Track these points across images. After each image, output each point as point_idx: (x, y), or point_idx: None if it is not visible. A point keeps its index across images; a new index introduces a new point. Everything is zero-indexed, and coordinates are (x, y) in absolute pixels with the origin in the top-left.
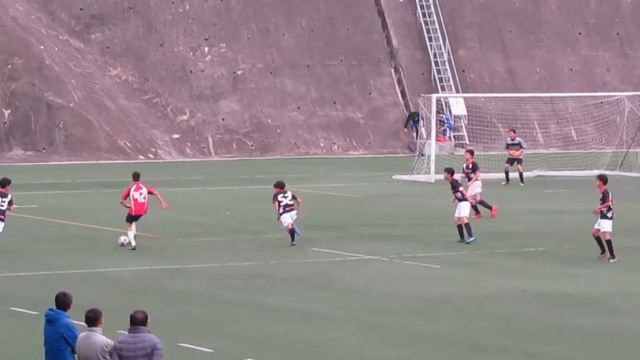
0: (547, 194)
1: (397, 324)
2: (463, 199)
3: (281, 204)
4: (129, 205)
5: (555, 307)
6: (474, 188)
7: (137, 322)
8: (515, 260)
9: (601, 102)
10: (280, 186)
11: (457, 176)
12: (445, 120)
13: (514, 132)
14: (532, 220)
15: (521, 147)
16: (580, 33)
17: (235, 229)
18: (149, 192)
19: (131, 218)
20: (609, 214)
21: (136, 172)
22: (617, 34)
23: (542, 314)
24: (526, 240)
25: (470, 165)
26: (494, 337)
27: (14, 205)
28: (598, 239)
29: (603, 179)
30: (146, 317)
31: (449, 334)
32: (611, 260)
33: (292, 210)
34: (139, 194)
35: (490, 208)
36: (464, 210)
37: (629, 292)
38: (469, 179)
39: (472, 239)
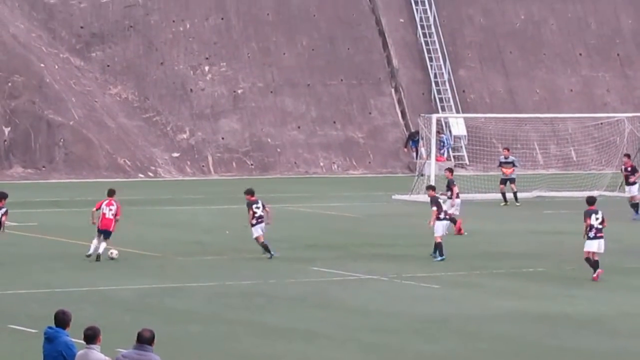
0: (546, 214)
1: (396, 344)
2: (443, 218)
3: (255, 214)
4: (97, 218)
5: (554, 328)
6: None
7: (144, 340)
8: (514, 280)
9: (601, 123)
10: (250, 193)
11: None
12: (445, 141)
13: (508, 150)
14: (532, 241)
15: (514, 165)
16: (580, 54)
17: (235, 248)
18: (115, 214)
19: (98, 231)
20: (590, 234)
21: (111, 188)
22: (618, 54)
23: (541, 335)
24: (526, 261)
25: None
26: (494, 358)
27: (6, 218)
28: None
29: (588, 201)
30: (153, 336)
31: (448, 355)
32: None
33: (262, 222)
34: (108, 210)
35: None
36: (438, 229)
37: (629, 314)
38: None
39: (441, 258)
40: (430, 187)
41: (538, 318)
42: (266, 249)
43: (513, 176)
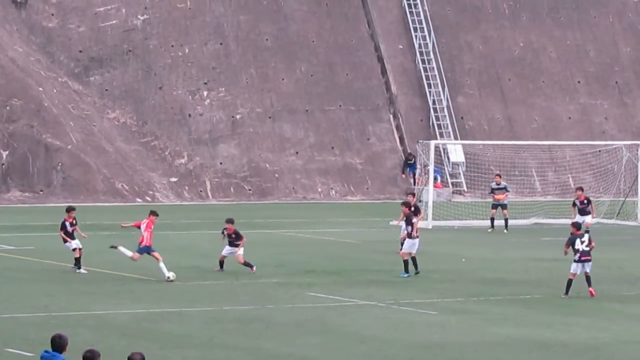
0: (544, 241)
1: None
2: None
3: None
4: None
5: (551, 356)
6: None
7: None
8: (512, 307)
9: (599, 151)
10: (230, 222)
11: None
12: (435, 171)
13: (500, 177)
14: (530, 268)
15: (506, 191)
16: (579, 82)
17: (232, 273)
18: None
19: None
20: (575, 257)
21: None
22: (616, 82)
23: None
24: (523, 288)
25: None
26: None
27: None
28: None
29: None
30: (143, 359)
31: None
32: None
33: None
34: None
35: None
36: (408, 246)
37: (626, 341)
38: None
39: (406, 275)
40: (405, 204)
41: (535, 345)
42: (248, 265)
43: (505, 202)
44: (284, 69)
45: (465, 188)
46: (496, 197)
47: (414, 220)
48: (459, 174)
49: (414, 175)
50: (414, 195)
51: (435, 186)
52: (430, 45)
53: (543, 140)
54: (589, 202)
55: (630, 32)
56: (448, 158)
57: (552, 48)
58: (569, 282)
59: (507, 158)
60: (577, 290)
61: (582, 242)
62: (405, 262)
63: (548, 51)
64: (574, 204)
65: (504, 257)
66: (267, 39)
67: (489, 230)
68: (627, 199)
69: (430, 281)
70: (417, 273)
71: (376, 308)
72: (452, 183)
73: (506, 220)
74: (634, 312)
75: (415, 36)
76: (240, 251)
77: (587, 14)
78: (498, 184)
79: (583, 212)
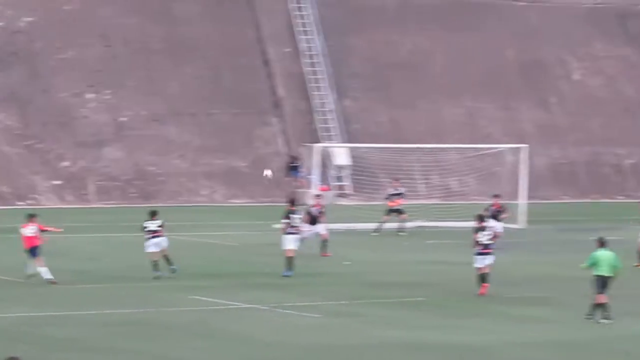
0: (428, 244)
1: None
2: (292, 232)
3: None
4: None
5: (435, 358)
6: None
7: None
8: (396, 310)
9: (483, 154)
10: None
11: None
12: (311, 176)
13: (398, 181)
14: (414, 271)
15: (402, 196)
16: (464, 85)
17: (116, 277)
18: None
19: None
20: (477, 249)
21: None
22: (501, 86)
23: None
24: (408, 291)
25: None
26: None
27: None
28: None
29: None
30: None
31: None
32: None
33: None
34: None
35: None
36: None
37: (511, 343)
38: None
39: (287, 274)
40: (290, 201)
41: (419, 348)
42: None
43: (400, 207)
44: (171, 72)
45: (350, 191)
46: (391, 203)
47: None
48: (344, 177)
49: (299, 178)
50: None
51: (320, 189)
52: (316, 49)
53: (428, 143)
54: (504, 210)
55: (515, 36)
56: (333, 161)
57: (438, 51)
58: (479, 276)
59: (392, 161)
60: (460, 292)
61: (484, 235)
62: (289, 259)
63: (434, 55)
64: (486, 210)
65: (388, 260)
66: (154, 42)
67: (373, 233)
68: (510, 201)
69: (314, 284)
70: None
71: (260, 311)
72: (337, 186)
73: (402, 224)
74: (517, 314)
75: (302, 40)
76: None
77: (474, 18)
78: (396, 189)
79: (496, 218)
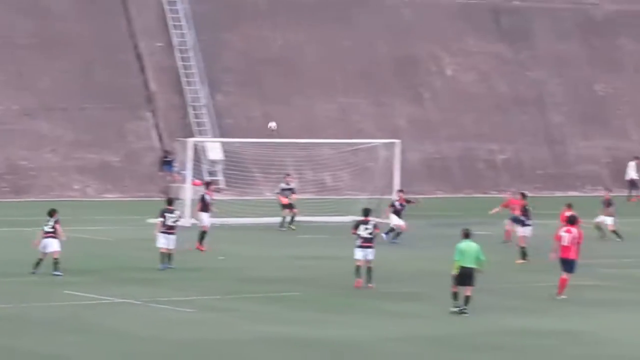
0: (302, 239)
1: None
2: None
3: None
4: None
5: (309, 353)
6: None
7: None
8: (269, 305)
9: (356, 149)
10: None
11: None
12: (182, 170)
13: (289, 176)
14: (288, 266)
15: (293, 192)
16: (337, 80)
17: None
18: None
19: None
20: (357, 243)
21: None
22: (374, 82)
23: (294, 359)
24: (281, 286)
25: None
26: None
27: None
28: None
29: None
30: None
31: None
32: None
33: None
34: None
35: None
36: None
37: (383, 338)
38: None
39: (164, 267)
40: (168, 201)
41: (292, 343)
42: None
43: (293, 202)
44: (42, 66)
45: (223, 185)
46: (283, 199)
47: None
48: (218, 171)
49: (172, 173)
50: (207, 183)
51: (193, 184)
52: (189, 43)
53: (301, 138)
54: (408, 203)
55: (388, 32)
56: (206, 156)
57: (311, 47)
58: (357, 268)
59: (266, 156)
60: (333, 287)
61: (365, 229)
62: (163, 255)
63: (307, 50)
64: (392, 205)
65: (262, 255)
66: (25, 36)
67: (281, 229)
68: (383, 197)
69: (188, 279)
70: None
71: (133, 306)
72: (210, 181)
73: (293, 217)
74: (390, 309)
75: (175, 34)
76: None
77: (347, 13)
78: (288, 184)
79: (399, 213)
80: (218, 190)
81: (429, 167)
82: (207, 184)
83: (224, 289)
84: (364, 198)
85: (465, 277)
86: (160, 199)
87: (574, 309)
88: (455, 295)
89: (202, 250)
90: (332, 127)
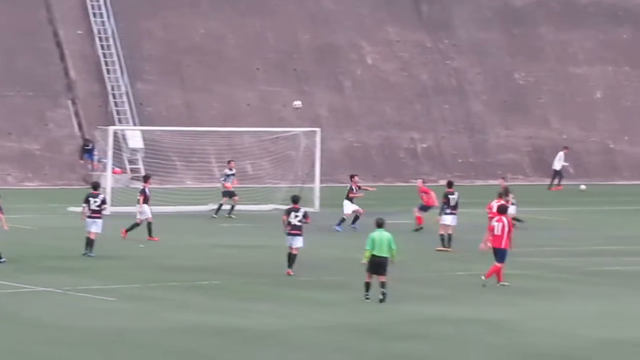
0: (223, 227)
1: (71, 357)
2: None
3: None
4: None
5: (228, 342)
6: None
7: None
8: (190, 293)
9: (277, 138)
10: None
11: None
12: (98, 157)
13: (233, 162)
14: (208, 254)
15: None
16: (258, 69)
17: None
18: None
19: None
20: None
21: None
22: (295, 70)
23: (215, 348)
24: (201, 274)
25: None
26: None
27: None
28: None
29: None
30: None
31: None
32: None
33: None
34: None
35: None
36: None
37: (302, 327)
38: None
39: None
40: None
41: (212, 331)
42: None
43: (233, 189)
44: None
45: (143, 174)
46: (227, 185)
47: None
48: (138, 160)
49: (93, 161)
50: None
51: (113, 172)
52: (109, 31)
53: (222, 126)
54: (359, 188)
55: (309, 20)
56: (127, 144)
57: (232, 35)
58: (289, 256)
59: (186, 144)
60: (253, 276)
61: (295, 217)
62: (89, 240)
63: (228, 38)
64: (351, 189)
65: (183, 243)
66: None
67: (215, 216)
68: (305, 185)
69: (109, 268)
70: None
71: (54, 294)
72: (130, 169)
73: (234, 206)
74: (310, 297)
75: (95, 22)
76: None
77: (268, 1)
78: (231, 169)
79: (352, 200)
80: (138, 178)
81: (350, 156)
82: (146, 178)
83: (144, 277)
84: (285, 186)
85: (377, 265)
86: (80, 187)
87: (494, 297)
88: (367, 286)
89: (155, 240)
90: (253, 115)
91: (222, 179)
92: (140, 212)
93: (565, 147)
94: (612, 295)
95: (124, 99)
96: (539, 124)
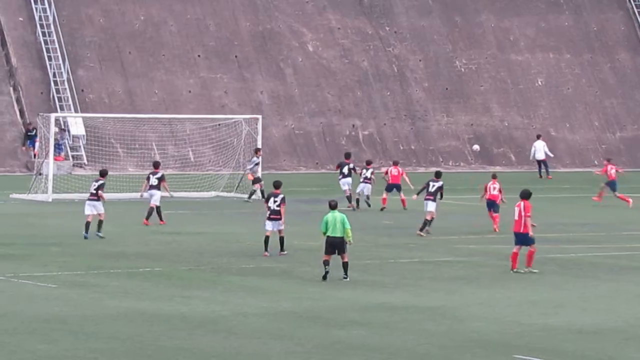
0: (165, 215)
1: (12, 344)
2: None
3: None
4: None
5: (171, 329)
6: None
7: None
8: (132, 280)
9: (219, 125)
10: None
11: None
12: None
13: (260, 151)
14: (150, 241)
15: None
16: (199, 55)
17: None
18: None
19: None
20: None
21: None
22: (236, 57)
23: (158, 335)
24: (143, 261)
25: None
26: (110, 358)
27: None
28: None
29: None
30: None
31: (64, 355)
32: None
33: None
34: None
35: None
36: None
37: (245, 314)
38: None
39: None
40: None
41: (154, 318)
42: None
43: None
44: None
45: (85, 161)
46: (250, 176)
47: None
48: (80, 147)
49: (34, 148)
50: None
51: (55, 159)
52: (50, 18)
53: (163, 113)
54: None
55: (249, 7)
56: (69, 131)
57: (173, 22)
58: (266, 238)
59: (128, 131)
60: (195, 262)
61: (274, 202)
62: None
63: (169, 25)
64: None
65: (124, 230)
66: None
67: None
68: (246, 172)
69: (50, 254)
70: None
71: None
72: (72, 156)
73: (255, 192)
74: (252, 284)
75: (36, 8)
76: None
77: None
78: (258, 157)
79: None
80: (80, 165)
81: (292, 143)
82: (156, 164)
83: (86, 264)
84: (227, 173)
85: (334, 246)
86: (22, 174)
87: (437, 285)
88: (325, 263)
89: (162, 223)
90: (193, 102)
91: (250, 166)
92: (151, 197)
93: (539, 136)
94: (554, 282)
95: (66, 85)
96: (480, 111)
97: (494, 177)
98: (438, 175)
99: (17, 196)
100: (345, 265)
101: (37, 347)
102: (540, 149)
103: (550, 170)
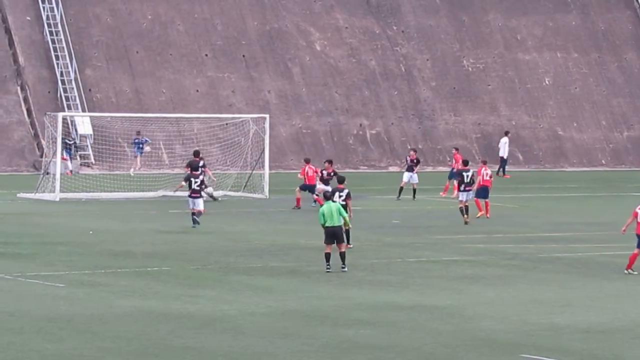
0: (172, 214)
1: (19, 343)
2: None
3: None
4: None
5: (178, 328)
6: None
7: None
8: (139, 280)
9: (226, 124)
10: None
11: None
12: (70, 147)
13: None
14: (157, 240)
15: None
16: (206, 55)
17: None
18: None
19: None
20: None
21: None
22: (243, 56)
23: (165, 334)
24: (151, 260)
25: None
26: (117, 357)
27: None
28: None
29: None
30: None
31: (72, 354)
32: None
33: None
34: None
35: None
36: None
37: (252, 313)
38: None
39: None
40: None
41: (162, 317)
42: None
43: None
44: None
45: (93, 160)
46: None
47: None
48: (87, 146)
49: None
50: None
51: (63, 158)
52: (58, 17)
53: (171, 112)
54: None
55: (257, 6)
56: (76, 130)
57: (180, 21)
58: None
59: (135, 130)
60: (202, 262)
61: (339, 197)
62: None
63: (176, 24)
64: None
65: (132, 229)
66: None
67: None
68: (254, 171)
69: (57, 254)
70: None
71: (2, 281)
72: (80, 155)
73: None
74: (260, 284)
75: (43, 8)
76: None
77: None
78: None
79: (327, 183)
80: (87, 165)
81: (299, 142)
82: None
83: (93, 263)
84: (234, 173)
85: (333, 235)
86: (29, 173)
87: (444, 284)
88: (327, 256)
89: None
90: (201, 101)
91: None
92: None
93: (507, 132)
94: (561, 281)
95: (73, 85)
96: (487, 110)
97: (484, 162)
98: (466, 163)
99: (24, 195)
100: (342, 255)
101: (44, 346)
102: (502, 146)
103: (552, 169)
